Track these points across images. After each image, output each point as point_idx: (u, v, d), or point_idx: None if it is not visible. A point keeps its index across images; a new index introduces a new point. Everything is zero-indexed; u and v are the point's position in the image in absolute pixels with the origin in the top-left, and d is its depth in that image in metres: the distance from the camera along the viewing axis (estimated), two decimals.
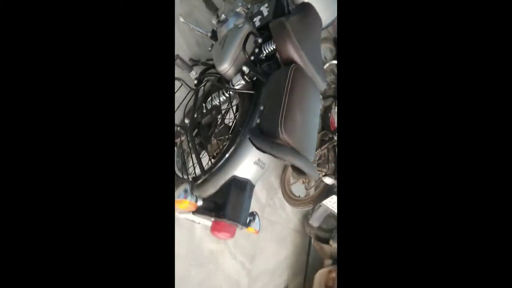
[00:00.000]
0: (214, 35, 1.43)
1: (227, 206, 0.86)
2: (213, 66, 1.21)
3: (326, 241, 2.03)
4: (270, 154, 0.80)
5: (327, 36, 2.64)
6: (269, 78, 0.95)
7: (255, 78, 1.03)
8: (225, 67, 1.07)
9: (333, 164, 1.71)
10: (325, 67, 2.42)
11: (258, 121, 0.87)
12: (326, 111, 2.02)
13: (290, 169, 2.16)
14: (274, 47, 1.07)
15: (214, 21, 1.43)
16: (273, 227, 2.07)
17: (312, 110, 0.93)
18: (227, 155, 0.91)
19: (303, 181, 1.86)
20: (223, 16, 1.37)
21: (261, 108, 0.89)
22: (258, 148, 0.81)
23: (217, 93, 1.15)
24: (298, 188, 2.07)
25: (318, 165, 1.86)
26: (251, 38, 1.09)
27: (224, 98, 1.13)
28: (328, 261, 2.03)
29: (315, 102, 0.97)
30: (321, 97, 2.19)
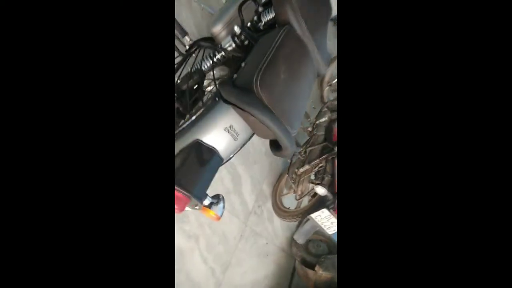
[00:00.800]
0: None
1: (180, 171, 0.72)
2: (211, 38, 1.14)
3: (312, 267, 1.80)
4: (236, 105, 0.67)
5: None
6: (259, 40, 0.85)
7: (246, 43, 0.94)
8: (218, 29, 0.99)
9: (330, 176, 1.54)
10: (333, 82, 2.33)
11: (234, 76, 0.76)
12: (330, 123, 1.90)
13: (284, 179, 2.00)
14: (273, 16, 0.99)
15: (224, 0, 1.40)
16: (256, 239, 1.87)
17: (302, 77, 0.81)
18: (194, 117, 0.80)
19: (294, 191, 1.69)
20: None
21: (242, 65, 0.79)
22: (224, 101, 0.69)
23: (204, 59, 1.07)
24: (290, 201, 1.90)
25: (315, 175, 1.70)
26: (252, 6, 1.02)
27: (210, 63, 1.04)
28: None
29: (308, 72, 0.85)
30: (327, 109, 2.07)
